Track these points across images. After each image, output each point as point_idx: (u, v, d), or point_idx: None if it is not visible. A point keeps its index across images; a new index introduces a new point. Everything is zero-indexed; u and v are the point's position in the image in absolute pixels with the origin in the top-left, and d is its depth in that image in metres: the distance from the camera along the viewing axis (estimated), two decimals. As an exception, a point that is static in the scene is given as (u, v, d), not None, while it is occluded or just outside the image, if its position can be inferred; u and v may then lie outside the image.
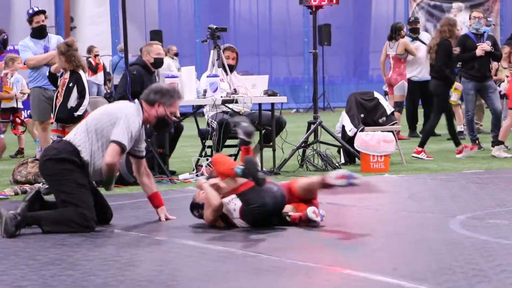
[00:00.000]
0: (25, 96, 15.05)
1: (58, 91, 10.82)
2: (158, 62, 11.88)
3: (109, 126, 7.78)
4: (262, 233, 7.40)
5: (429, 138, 13.67)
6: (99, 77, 25.29)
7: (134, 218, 8.52)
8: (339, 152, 12.83)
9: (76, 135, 7.88)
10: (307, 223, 7.57)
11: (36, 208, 7.79)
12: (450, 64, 13.52)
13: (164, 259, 6.49)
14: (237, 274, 5.97)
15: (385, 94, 16.95)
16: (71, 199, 7.62)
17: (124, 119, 7.79)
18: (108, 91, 24.70)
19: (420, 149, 13.34)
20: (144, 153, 8.17)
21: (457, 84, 13.89)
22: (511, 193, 9.68)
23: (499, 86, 16.16)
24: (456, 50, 13.98)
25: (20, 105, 15.25)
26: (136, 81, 11.37)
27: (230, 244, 6.96)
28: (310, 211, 7.55)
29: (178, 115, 8.30)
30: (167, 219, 8.09)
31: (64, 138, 8.45)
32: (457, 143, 13.57)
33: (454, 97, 15.32)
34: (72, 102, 10.68)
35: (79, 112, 10.69)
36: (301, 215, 7.60)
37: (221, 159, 8.09)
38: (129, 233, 7.66)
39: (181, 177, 11.31)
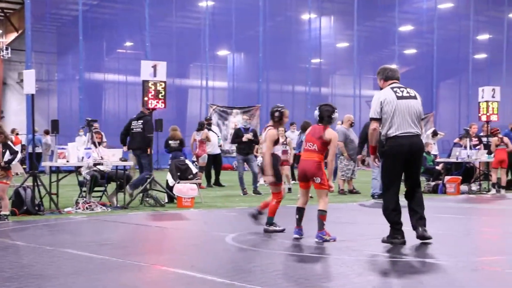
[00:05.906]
0: None
1: None
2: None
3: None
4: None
5: None
6: (17, 148, 24.00)
7: (34, 236, 7.98)
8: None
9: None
10: None
11: None
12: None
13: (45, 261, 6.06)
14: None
15: (193, 161, 16.84)
16: None
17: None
18: (22, 156, 23.37)
19: None
20: None
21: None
22: (263, 220, 9.48)
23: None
24: None
25: None
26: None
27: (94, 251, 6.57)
28: None
29: None
30: None
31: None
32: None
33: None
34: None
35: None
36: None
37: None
38: (30, 245, 7.14)
39: (66, 209, 10.77)
